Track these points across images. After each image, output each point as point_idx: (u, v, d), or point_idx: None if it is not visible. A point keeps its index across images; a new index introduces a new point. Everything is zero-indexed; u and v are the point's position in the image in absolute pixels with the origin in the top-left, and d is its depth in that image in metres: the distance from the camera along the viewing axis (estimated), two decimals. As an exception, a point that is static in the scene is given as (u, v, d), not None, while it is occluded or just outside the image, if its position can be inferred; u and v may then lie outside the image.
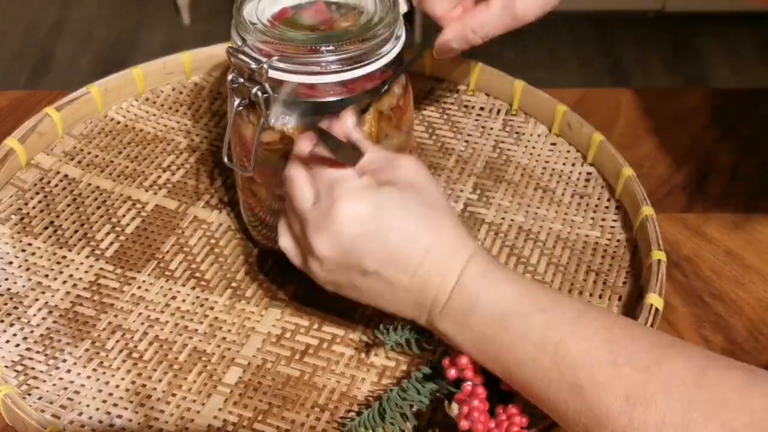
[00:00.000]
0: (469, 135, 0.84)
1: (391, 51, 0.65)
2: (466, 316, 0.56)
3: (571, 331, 0.53)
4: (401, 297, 0.58)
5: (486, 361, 0.57)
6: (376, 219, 0.57)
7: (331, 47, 0.62)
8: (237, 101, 0.65)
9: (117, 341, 0.66)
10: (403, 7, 0.69)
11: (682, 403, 0.49)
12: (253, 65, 0.62)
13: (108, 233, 0.74)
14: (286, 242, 0.61)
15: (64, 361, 0.65)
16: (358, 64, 0.63)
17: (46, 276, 0.70)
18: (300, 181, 0.59)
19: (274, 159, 0.66)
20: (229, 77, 0.64)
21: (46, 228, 0.74)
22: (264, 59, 0.62)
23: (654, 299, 0.66)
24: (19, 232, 0.73)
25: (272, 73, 0.62)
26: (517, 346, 0.54)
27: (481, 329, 0.56)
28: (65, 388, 0.63)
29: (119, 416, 0.61)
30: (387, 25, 0.64)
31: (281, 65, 0.62)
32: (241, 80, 0.63)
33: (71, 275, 0.70)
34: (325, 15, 0.66)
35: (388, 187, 0.58)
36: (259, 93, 0.62)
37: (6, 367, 0.64)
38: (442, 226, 0.58)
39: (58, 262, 0.71)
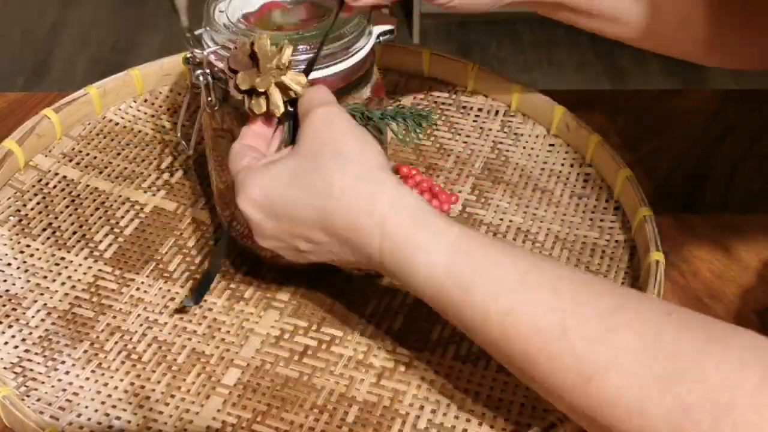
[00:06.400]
0: (467, 136, 0.84)
1: (359, 53, 0.66)
2: (404, 279, 0.55)
3: (517, 300, 0.52)
4: (340, 253, 0.57)
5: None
6: (270, 202, 0.57)
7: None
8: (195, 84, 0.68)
9: (116, 342, 0.66)
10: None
11: (636, 378, 0.48)
12: (197, 52, 0.65)
13: (107, 234, 0.74)
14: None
15: (63, 362, 0.65)
16: (324, 64, 0.64)
17: (45, 277, 0.70)
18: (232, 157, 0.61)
19: (224, 145, 0.68)
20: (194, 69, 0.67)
21: (44, 229, 0.74)
22: (209, 49, 0.65)
23: (653, 300, 0.66)
24: (17, 234, 0.73)
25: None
26: (461, 315, 0.53)
27: (422, 293, 0.55)
28: (64, 390, 0.63)
29: (118, 417, 0.61)
30: (356, 26, 0.65)
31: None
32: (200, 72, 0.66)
33: (70, 276, 0.70)
34: (309, 14, 0.68)
35: (280, 161, 0.57)
36: (201, 77, 0.65)
37: (5, 368, 0.64)
38: (337, 191, 0.55)
39: (57, 264, 0.71)
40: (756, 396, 0.45)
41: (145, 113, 0.85)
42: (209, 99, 0.67)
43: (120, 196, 0.77)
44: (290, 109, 0.61)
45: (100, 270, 0.71)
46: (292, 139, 0.61)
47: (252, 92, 0.61)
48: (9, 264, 0.71)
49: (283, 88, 0.61)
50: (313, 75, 0.64)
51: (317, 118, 0.58)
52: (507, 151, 0.83)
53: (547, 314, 0.51)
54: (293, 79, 0.61)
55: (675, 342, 0.48)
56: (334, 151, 0.56)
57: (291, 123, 0.62)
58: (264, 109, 0.61)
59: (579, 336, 0.49)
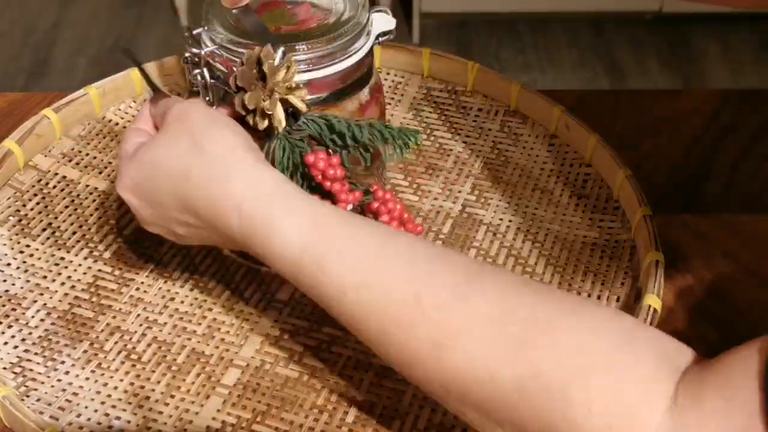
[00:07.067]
0: (467, 136, 0.84)
1: (358, 53, 0.66)
2: (265, 258, 0.56)
3: (372, 273, 0.52)
4: (210, 236, 0.59)
5: None
6: (140, 189, 0.60)
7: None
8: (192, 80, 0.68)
9: (115, 342, 0.66)
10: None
11: (487, 344, 0.48)
12: (195, 51, 0.65)
13: (106, 234, 0.74)
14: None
15: (63, 362, 0.65)
16: (323, 64, 0.64)
17: (45, 277, 0.70)
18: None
19: None
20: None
21: (44, 230, 0.74)
22: (207, 48, 0.65)
23: (652, 300, 0.66)
24: (17, 234, 0.73)
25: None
26: (319, 291, 0.54)
27: (283, 272, 0.55)
28: (64, 390, 0.63)
29: (118, 417, 0.61)
30: (352, 27, 0.65)
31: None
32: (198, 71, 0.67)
33: (69, 277, 0.70)
34: (308, 14, 0.68)
35: (143, 148, 0.60)
36: (199, 77, 0.66)
37: (4, 368, 0.64)
38: (194, 176, 0.57)
39: (57, 264, 0.71)
40: (609, 361, 0.46)
41: (145, 113, 0.85)
42: (207, 98, 0.67)
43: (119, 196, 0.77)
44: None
45: (99, 270, 0.71)
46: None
47: (256, 110, 0.62)
48: (9, 264, 0.71)
49: (286, 104, 0.62)
50: (312, 75, 0.64)
51: (172, 114, 0.60)
52: (507, 151, 0.83)
53: (401, 286, 0.51)
54: (299, 96, 0.62)
55: (529, 311, 0.48)
56: (189, 140, 0.58)
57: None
58: (266, 125, 0.62)
59: (432, 304, 0.50)
